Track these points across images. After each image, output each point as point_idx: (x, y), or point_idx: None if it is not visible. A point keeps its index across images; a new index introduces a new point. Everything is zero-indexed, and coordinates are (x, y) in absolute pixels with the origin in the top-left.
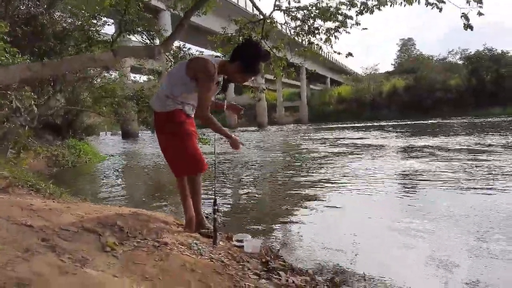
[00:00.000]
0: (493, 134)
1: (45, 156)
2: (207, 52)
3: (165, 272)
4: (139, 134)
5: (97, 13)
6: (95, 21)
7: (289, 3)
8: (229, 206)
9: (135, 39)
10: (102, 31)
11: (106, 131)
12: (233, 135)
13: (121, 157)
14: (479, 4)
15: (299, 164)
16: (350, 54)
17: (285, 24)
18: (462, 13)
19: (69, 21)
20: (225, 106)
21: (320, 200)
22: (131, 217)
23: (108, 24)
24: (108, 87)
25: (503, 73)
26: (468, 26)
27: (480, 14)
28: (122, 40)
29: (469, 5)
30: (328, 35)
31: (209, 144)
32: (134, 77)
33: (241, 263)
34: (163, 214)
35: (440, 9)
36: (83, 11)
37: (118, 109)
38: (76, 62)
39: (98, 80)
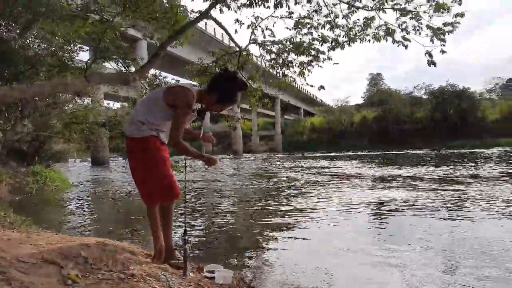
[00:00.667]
0: (459, 165)
1: (8, 183)
2: (183, 81)
3: None
4: (110, 161)
5: (72, 39)
6: (69, 47)
7: (264, 37)
8: (200, 236)
9: (110, 66)
10: (77, 57)
11: (75, 158)
12: (204, 154)
13: (90, 185)
14: (442, 43)
15: (272, 192)
16: (322, 87)
17: (261, 57)
18: (426, 51)
19: (42, 46)
20: (200, 135)
21: (293, 229)
22: (96, 248)
23: (83, 50)
24: (80, 113)
25: (465, 108)
26: (431, 63)
27: (442, 52)
28: (96, 67)
29: (433, 43)
30: (302, 68)
31: (182, 172)
32: (108, 104)
33: None
34: (131, 244)
35: (406, 47)
36: (57, 38)
37: (89, 135)
38: (47, 87)
39: (70, 106)
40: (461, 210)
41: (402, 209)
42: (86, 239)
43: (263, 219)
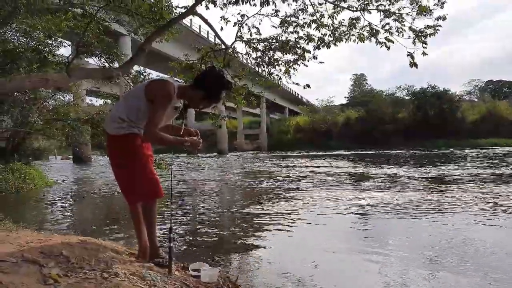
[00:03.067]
0: (441, 165)
1: None
2: (166, 77)
3: None
4: (92, 159)
5: (53, 34)
6: (50, 41)
7: (250, 34)
8: (185, 234)
9: (93, 62)
10: (58, 52)
11: (56, 155)
12: (186, 138)
13: (71, 183)
14: (423, 45)
15: (258, 191)
16: (307, 85)
17: (246, 55)
18: (408, 52)
19: (23, 40)
20: (182, 131)
21: (278, 227)
22: (78, 246)
23: (64, 46)
24: (61, 109)
25: (445, 108)
26: (413, 64)
27: (424, 54)
28: (79, 63)
29: (415, 45)
30: (287, 67)
31: (165, 169)
32: (90, 101)
33: None
34: (114, 242)
35: (388, 48)
36: (37, 31)
37: (71, 132)
38: (27, 82)
39: (51, 102)
40: (445, 211)
41: (388, 209)
42: (67, 238)
43: (248, 218)
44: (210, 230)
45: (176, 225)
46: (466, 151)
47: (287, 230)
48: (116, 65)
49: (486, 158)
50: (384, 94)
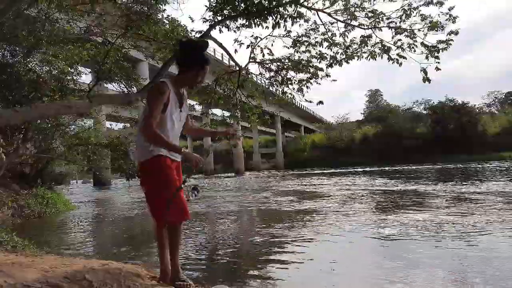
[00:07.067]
0: (465, 181)
1: (10, 206)
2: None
3: None
4: (112, 182)
5: (74, 63)
6: (71, 70)
7: (263, 55)
8: (206, 256)
9: (112, 87)
10: (79, 79)
11: (77, 179)
12: (183, 149)
13: (92, 206)
14: (436, 60)
15: (277, 212)
16: (321, 102)
17: (260, 75)
18: (422, 68)
19: (45, 69)
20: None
21: (299, 250)
22: (101, 270)
23: (85, 74)
24: (83, 134)
25: (464, 122)
26: (426, 79)
27: (437, 69)
28: (99, 89)
29: (428, 60)
30: (300, 85)
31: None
32: (110, 125)
33: None
34: (135, 265)
35: (400, 64)
36: (59, 62)
37: (92, 156)
38: (51, 109)
39: (72, 127)
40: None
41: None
42: (90, 262)
43: (268, 240)
44: (230, 251)
45: (195, 247)
46: (494, 164)
47: (310, 251)
48: (135, 90)
49: None
50: (401, 109)
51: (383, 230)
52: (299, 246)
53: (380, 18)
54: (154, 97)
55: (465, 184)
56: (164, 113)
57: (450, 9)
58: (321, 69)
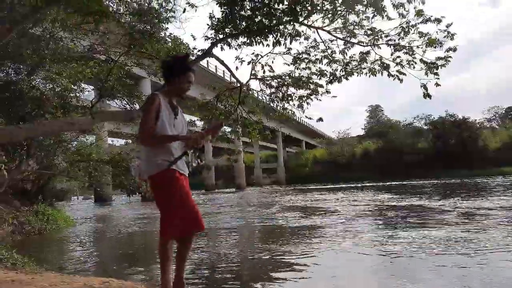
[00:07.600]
0: (469, 196)
1: (11, 223)
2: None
3: None
4: (113, 198)
5: (77, 80)
6: (74, 87)
7: (264, 72)
8: (209, 271)
9: (115, 104)
10: (82, 96)
11: (77, 196)
12: (180, 135)
13: (93, 222)
14: (435, 76)
15: (280, 228)
16: (320, 119)
17: (261, 91)
18: (422, 84)
19: (49, 87)
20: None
21: (305, 267)
22: None
23: (88, 91)
24: (84, 151)
25: (465, 137)
26: (427, 95)
27: (437, 85)
28: (101, 106)
29: (427, 76)
30: (301, 101)
31: None
32: (112, 141)
33: None
34: (136, 283)
35: (401, 80)
36: (63, 80)
37: (93, 173)
38: (54, 126)
39: (74, 143)
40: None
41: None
42: (90, 280)
43: (272, 255)
44: (233, 266)
45: (199, 262)
46: (498, 179)
47: (314, 267)
48: (137, 106)
49: None
50: (401, 124)
51: (391, 247)
52: (304, 264)
53: (379, 36)
54: (146, 106)
55: (478, 199)
56: (158, 120)
57: (448, 26)
58: (321, 86)
